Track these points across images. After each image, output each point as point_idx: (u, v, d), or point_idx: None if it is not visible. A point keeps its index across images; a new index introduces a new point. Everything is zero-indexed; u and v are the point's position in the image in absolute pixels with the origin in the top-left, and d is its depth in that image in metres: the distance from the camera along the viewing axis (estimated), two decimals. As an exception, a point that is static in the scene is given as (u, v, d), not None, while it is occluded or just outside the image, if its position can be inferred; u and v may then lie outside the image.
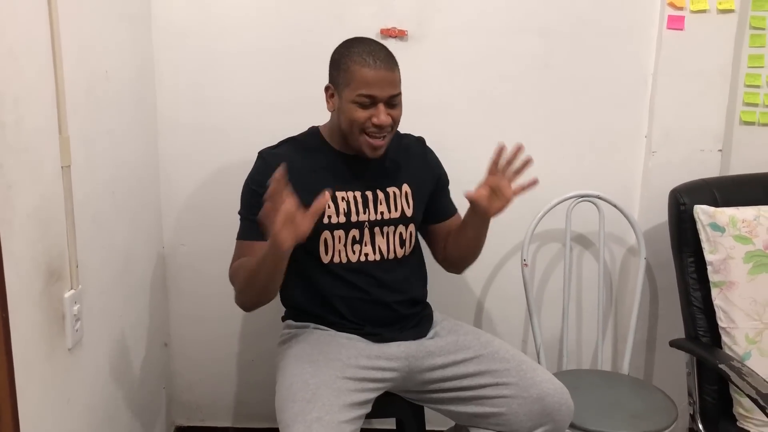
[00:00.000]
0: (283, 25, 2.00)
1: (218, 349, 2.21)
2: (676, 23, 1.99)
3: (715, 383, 1.82)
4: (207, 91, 2.03)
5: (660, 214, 1.99)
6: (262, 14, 1.99)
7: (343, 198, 1.61)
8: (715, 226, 1.80)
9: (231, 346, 2.21)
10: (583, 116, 2.09)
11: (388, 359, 1.59)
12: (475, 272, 2.15)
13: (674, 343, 1.88)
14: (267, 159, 1.61)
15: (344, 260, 1.63)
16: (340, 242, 1.61)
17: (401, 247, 1.67)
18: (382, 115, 1.51)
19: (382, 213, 1.64)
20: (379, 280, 1.64)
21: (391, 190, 1.66)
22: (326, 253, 1.62)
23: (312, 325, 1.67)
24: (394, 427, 2.05)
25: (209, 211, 2.11)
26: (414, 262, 1.75)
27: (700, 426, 1.82)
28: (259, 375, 2.22)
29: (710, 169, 2.06)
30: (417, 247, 1.77)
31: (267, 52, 2.01)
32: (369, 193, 1.64)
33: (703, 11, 1.98)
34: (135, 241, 1.86)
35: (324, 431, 1.33)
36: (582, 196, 2.03)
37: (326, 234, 1.60)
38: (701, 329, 1.86)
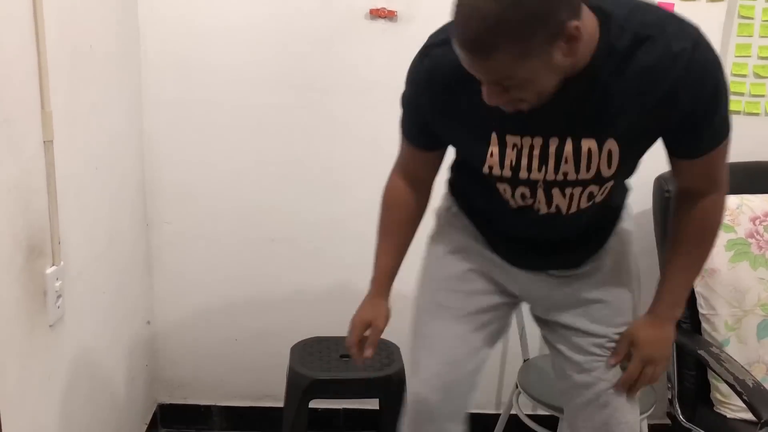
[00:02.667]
0: (270, 1, 1.97)
1: (202, 327, 2.20)
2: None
3: (693, 369, 1.85)
4: (192, 67, 2.00)
5: (645, 201, 2.00)
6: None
7: (515, 145, 1.16)
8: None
9: (215, 324, 2.20)
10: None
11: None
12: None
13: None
14: (429, 73, 1.19)
15: (506, 201, 1.26)
16: (505, 193, 1.24)
17: (588, 201, 1.21)
18: (485, 95, 1.05)
19: (565, 174, 1.16)
20: (546, 228, 1.29)
21: (587, 144, 1.13)
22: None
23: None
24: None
25: (194, 189, 2.09)
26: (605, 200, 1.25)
27: (678, 410, 1.85)
28: (243, 353, 2.23)
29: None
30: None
31: (253, 29, 1.98)
32: (553, 142, 1.14)
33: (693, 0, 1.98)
34: (118, 218, 1.85)
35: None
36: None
37: (485, 179, 1.24)
38: (682, 316, 1.88)
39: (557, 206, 1.22)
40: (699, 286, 1.82)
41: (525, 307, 2.11)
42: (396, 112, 1.96)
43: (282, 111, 2.04)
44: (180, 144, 2.06)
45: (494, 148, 1.17)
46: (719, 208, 1.25)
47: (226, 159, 2.08)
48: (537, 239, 1.32)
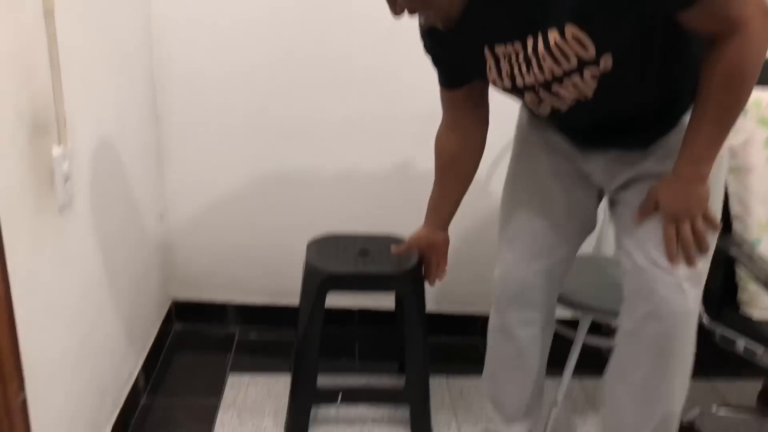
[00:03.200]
0: None
1: (216, 223, 2.17)
2: None
3: (720, 268, 1.79)
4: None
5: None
6: None
7: (504, 55, 1.20)
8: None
9: (229, 220, 2.16)
10: None
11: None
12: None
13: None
14: (424, 24, 1.31)
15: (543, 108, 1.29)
16: (522, 101, 1.33)
17: (602, 84, 1.17)
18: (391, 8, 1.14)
19: (552, 71, 1.16)
20: (588, 116, 1.28)
21: (552, 36, 1.10)
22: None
23: None
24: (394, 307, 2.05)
25: (206, 81, 2.01)
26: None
27: (703, 310, 1.81)
28: (259, 249, 2.20)
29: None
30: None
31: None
32: (529, 43, 1.14)
33: None
34: (127, 104, 1.77)
35: None
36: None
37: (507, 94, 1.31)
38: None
39: (574, 100, 1.21)
40: (732, 185, 1.74)
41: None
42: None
43: (297, 11, 1.93)
44: (190, 35, 1.96)
45: (490, 62, 1.22)
46: (747, 49, 1.08)
47: (239, 49, 1.97)
48: (592, 126, 1.31)
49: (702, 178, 1.21)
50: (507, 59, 1.20)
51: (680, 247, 1.24)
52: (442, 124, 1.52)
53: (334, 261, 1.73)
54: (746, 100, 1.15)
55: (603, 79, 1.16)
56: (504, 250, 1.50)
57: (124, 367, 1.80)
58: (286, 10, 1.93)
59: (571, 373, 1.78)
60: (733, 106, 1.15)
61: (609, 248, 2.14)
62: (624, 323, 1.34)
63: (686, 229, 1.24)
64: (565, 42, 1.10)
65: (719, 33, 1.09)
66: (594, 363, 2.18)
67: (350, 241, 1.84)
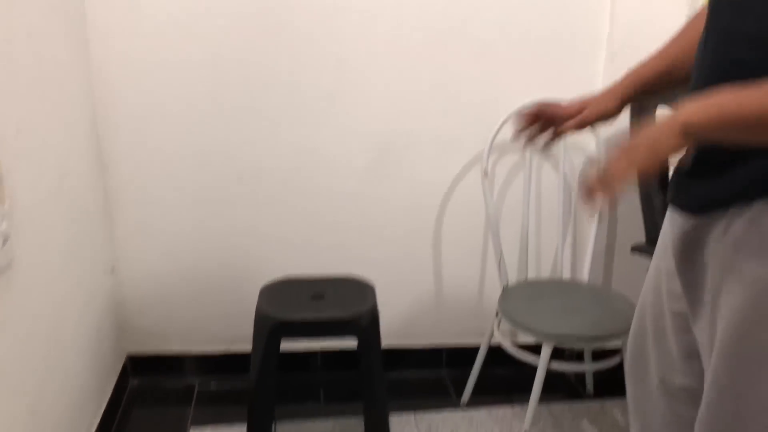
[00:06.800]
0: None
1: (169, 273, 2.11)
2: None
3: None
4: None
5: (621, 120, 1.94)
6: None
7: None
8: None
9: (183, 267, 2.11)
10: (542, 20, 2.00)
11: None
12: (434, 185, 2.09)
13: (636, 248, 1.87)
14: None
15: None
16: None
17: None
18: None
19: None
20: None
21: None
22: None
23: None
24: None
25: (153, 128, 1.96)
26: None
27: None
28: (214, 298, 2.15)
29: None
30: None
31: None
32: None
33: None
34: (69, 155, 1.72)
35: None
36: (542, 102, 1.96)
37: None
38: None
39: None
40: None
41: (504, 230, 2.08)
42: (360, 36, 1.83)
43: (240, 42, 1.91)
44: (134, 79, 1.92)
45: None
46: None
47: (183, 95, 1.95)
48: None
49: (685, 130, 0.81)
50: None
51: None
52: None
53: (286, 307, 1.69)
54: None
55: None
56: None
57: (80, 428, 1.72)
58: (233, 50, 1.92)
59: (537, 399, 1.77)
60: None
61: (566, 271, 2.16)
62: None
63: (619, 161, 0.85)
64: None
65: None
66: (559, 388, 2.19)
67: (305, 285, 1.81)
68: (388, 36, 1.94)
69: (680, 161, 1.01)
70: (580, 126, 1.23)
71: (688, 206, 0.97)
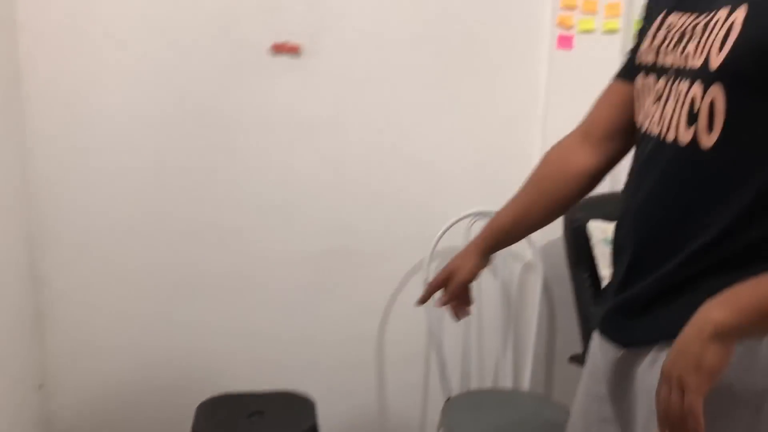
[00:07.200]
0: (166, 37, 1.88)
1: (102, 389, 2.03)
2: (565, 43, 2.03)
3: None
4: (83, 108, 1.87)
5: (556, 229, 2.01)
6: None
7: (670, 25, 0.99)
8: (609, 242, 1.83)
9: (116, 385, 2.03)
10: (479, 132, 2.09)
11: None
12: (376, 293, 2.10)
13: (573, 359, 1.90)
14: None
15: (644, 127, 1.01)
16: (648, 94, 1.01)
17: (688, 127, 0.90)
18: None
19: (685, 55, 0.93)
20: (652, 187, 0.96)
21: (721, 14, 0.88)
22: (639, 112, 1.05)
23: None
24: None
25: (88, 240, 1.94)
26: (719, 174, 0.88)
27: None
28: (149, 415, 2.07)
29: (602, 185, 2.10)
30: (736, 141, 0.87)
31: (148, 66, 1.87)
32: (703, 18, 0.92)
33: (590, 32, 2.03)
34: None
35: None
36: (480, 214, 2.02)
37: (640, 80, 1.04)
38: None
39: (663, 122, 0.94)
40: None
41: (446, 340, 2.09)
42: (302, 149, 1.88)
43: (182, 153, 1.94)
44: (72, 192, 1.91)
45: (654, 27, 1.02)
46: None
47: (123, 206, 1.94)
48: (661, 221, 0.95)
49: (719, 331, 0.79)
50: (668, 28, 0.99)
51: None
52: (572, 132, 1.23)
53: (222, 427, 1.64)
54: None
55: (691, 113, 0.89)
56: None
57: None
58: (176, 159, 1.93)
59: None
60: None
61: (507, 381, 2.17)
62: None
63: (674, 396, 0.82)
64: (721, 24, 0.87)
65: None
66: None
67: (243, 402, 1.77)
68: (328, 150, 1.99)
69: (609, 283, 1.10)
70: (453, 299, 1.30)
71: (615, 340, 1.04)
